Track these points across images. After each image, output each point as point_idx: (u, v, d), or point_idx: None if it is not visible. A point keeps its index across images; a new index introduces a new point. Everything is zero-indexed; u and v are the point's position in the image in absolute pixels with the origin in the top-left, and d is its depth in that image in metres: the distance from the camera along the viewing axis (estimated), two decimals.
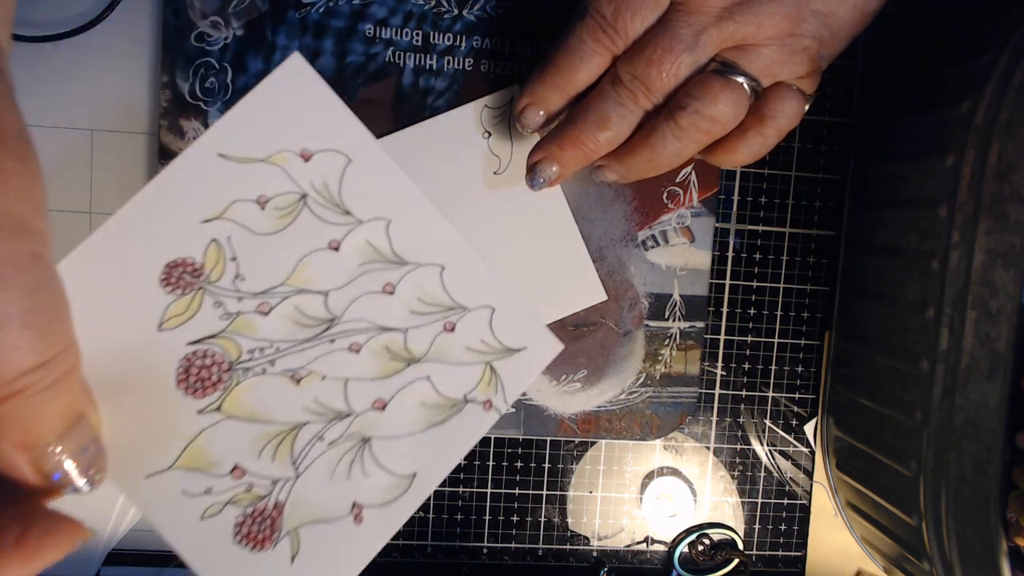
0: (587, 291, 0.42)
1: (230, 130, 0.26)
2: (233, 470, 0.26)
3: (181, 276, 0.26)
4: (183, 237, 0.26)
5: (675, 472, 0.46)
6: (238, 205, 0.26)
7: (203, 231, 0.26)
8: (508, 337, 0.28)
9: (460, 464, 0.44)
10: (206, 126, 0.39)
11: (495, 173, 0.40)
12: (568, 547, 0.46)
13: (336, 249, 0.27)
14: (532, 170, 0.37)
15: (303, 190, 0.27)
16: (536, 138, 0.39)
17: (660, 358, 0.43)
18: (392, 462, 0.27)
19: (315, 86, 0.27)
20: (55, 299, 0.22)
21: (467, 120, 0.40)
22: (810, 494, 0.47)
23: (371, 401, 0.27)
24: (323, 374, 0.27)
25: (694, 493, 0.46)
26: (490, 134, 0.40)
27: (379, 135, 0.39)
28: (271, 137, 0.27)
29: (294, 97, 0.27)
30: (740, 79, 0.33)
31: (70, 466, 0.22)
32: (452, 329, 0.27)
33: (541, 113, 0.36)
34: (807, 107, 0.35)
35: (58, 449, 0.22)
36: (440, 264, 0.27)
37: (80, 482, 0.23)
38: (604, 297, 0.42)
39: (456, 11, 0.40)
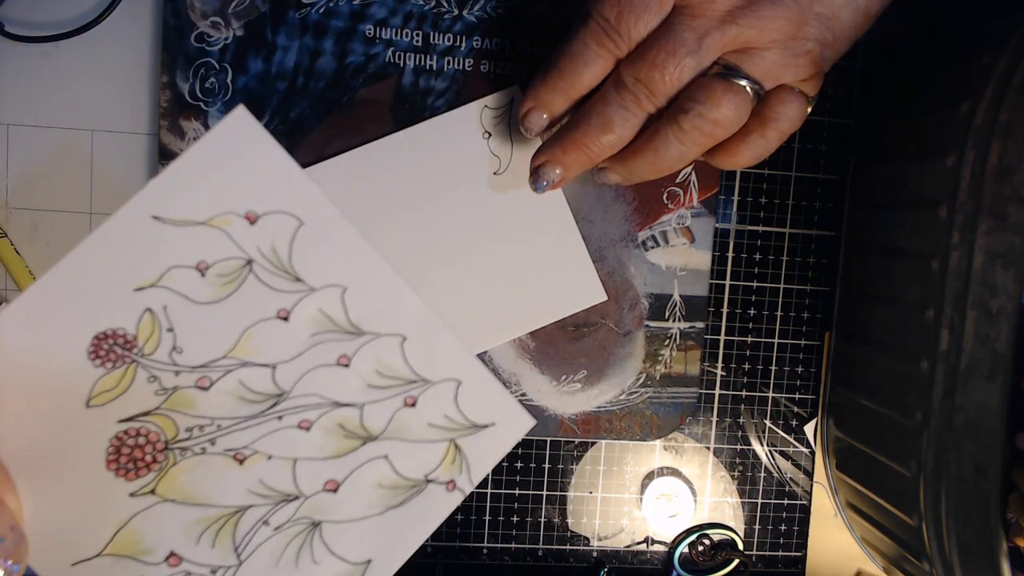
0: (587, 291, 0.42)
1: (166, 190, 0.24)
2: (168, 558, 0.24)
3: (111, 348, 0.24)
4: (113, 306, 0.24)
5: (675, 472, 0.46)
6: (176, 272, 0.24)
7: (136, 300, 0.24)
8: (475, 412, 0.26)
9: None
10: (206, 126, 0.39)
11: (495, 174, 0.40)
12: (568, 547, 0.46)
13: (285, 319, 0.25)
14: (535, 173, 0.37)
15: (248, 255, 0.25)
16: (538, 140, 0.39)
17: (660, 358, 0.43)
18: (345, 548, 0.25)
19: (261, 142, 0.24)
20: None
21: (467, 121, 0.40)
22: (810, 494, 0.47)
23: (322, 482, 0.25)
24: (269, 454, 0.25)
25: (694, 493, 0.46)
26: (490, 135, 0.40)
27: (379, 136, 0.40)
28: (213, 198, 0.24)
29: (238, 154, 0.24)
30: (743, 82, 0.33)
31: None
32: (413, 404, 0.25)
33: (545, 117, 0.36)
34: (809, 109, 0.35)
35: None
36: (401, 334, 0.25)
37: None
38: (604, 297, 0.42)
39: (456, 11, 0.40)
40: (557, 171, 0.36)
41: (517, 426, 0.26)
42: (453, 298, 0.41)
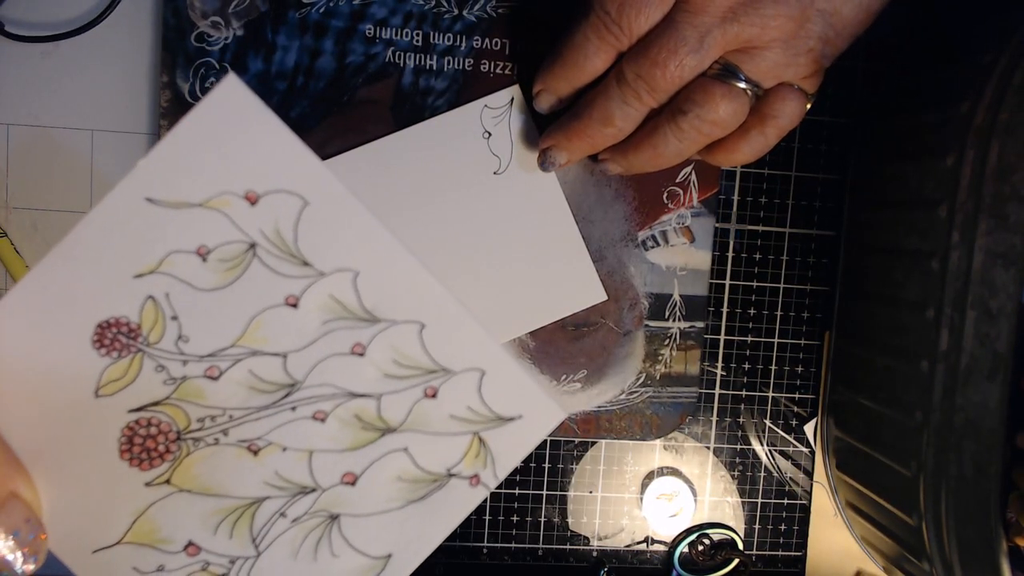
0: (587, 291, 0.42)
1: (158, 170, 0.23)
2: (187, 547, 0.24)
3: (116, 337, 0.23)
4: (114, 293, 0.23)
5: (675, 472, 0.46)
6: (175, 257, 0.23)
7: (136, 287, 0.23)
8: (500, 404, 0.24)
9: None
10: None
11: (495, 173, 0.40)
12: (568, 547, 0.46)
13: (294, 305, 0.24)
14: (543, 155, 0.39)
15: (251, 238, 0.23)
16: (533, 138, 0.39)
17: (660, 358, 0.43)
18: (364, 542, 0.24)
19: (258, 113, 0.23)
20: None
21: (467, 120, 0.40)
22: (810, 494, 0.47)
23: (340, 475, 0.24)
24: (284, 445, 0.24)
25: (694, 493, 0.46)
26: (490, 134, 0.40)
27: (378, 136, 0.40)
28: (209, 177, 0.23)
29: (233, 128, 0.23)
30: (742, 85, 0.33)
31: (2, 548, 0.21)
32: (434, 395, 0.24)
33: (554, 98, 0.38)
34: (809, 106, 0.36)
35: None
36: (419, 321, 0.24)
37: (16, 567, 0.21)
38: (604, 297, 0.42)
39: (456, 11, 0.40)
40: (563, 155, 0.38)
41: (547, 419, 0.24)
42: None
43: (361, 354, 0.24)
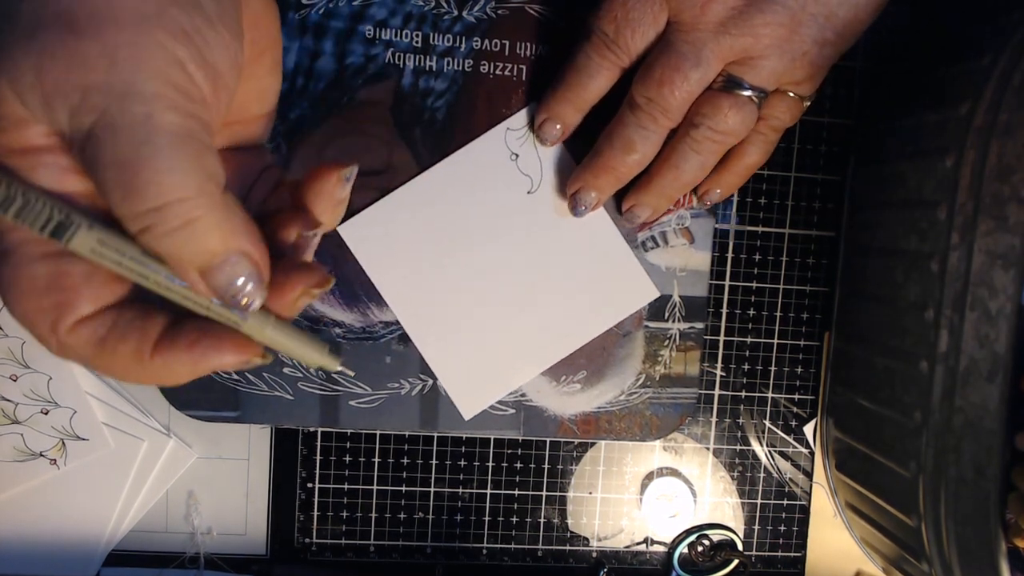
0: (638, 290, 0.42)
1: None
2: None
3: None
4: None
5: (675, 473, 0.46)
6: None
7: None
8: (80, 429, 0.43)
9: (460, 464, 0.45)
10: None
11: (528, 193, 0.40)
12: (568, 548, 0.46)
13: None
14: (573, 199, 0.39)
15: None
16: (567, 154, 0.40)
17: (660, 359, 0.43)
18: None
19: None
20: None
21: (492, 146, 0.40)
22: (809, 495, 0.47)
23: None
24: None
25: (694, 494, 0.46)
26: (517, 155, 0.40)
27: (379, 136, 0.40)
28: None
29: None
30: (746, 93, 0.34)
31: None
32: (47, 413, 0.43)
33: (558, 127, 0.38)
34: (807, 105, 0.37)
35: None
36: (49, 375, 0.42)
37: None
38: (656, 293, 0.42)
39: (456, 12, 0.40)
40: (592, 195, 0.39)
41: (102, 445, 0.43)
42: (513, 321, 0.41)
43: (15, 380, 0.42)
